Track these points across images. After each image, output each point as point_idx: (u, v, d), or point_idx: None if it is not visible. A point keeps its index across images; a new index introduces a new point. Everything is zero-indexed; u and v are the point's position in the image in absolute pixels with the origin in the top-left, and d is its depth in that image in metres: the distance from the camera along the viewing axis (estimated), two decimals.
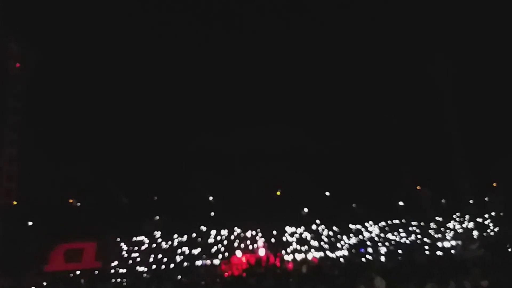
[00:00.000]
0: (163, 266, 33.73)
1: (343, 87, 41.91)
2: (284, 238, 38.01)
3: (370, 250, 37.42)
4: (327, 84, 42.06)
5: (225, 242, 36.70)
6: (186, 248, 35.64)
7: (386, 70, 41.68)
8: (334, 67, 41.54)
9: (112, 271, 32.10)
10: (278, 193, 42.44)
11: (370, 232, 40.14)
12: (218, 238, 36.90)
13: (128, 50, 38.89)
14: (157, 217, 38.04)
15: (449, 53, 40.61)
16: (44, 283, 27.08)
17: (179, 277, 26.50)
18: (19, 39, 35.35)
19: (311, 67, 42.31)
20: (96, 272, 31.44)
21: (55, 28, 35.65)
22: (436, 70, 42.00)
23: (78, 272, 30.74)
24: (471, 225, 41.28)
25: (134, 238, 35.35)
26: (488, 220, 41.62)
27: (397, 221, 41.03)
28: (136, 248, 34.92)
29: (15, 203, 34.36)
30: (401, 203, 43.50)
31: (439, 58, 41.51)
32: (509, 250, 28.43)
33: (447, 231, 40.82)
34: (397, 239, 39.81)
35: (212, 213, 39.33)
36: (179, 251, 35.43)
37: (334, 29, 41.39)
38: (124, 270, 32.23)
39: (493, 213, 41.93)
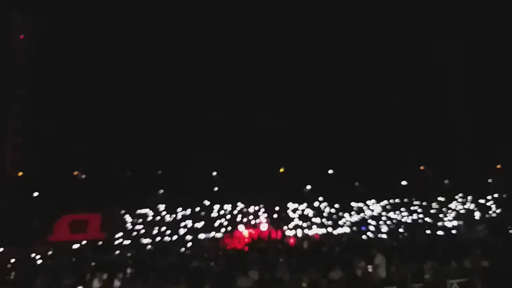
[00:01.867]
0: (166, 239, 34.18)
1: (351, 67, 41.58)
2: (286, 214, 38.33)
3: (371, 228, 37.69)
4: (334, 61, 41.73)
5: (228, 216, 37.08)
6: (190, 221, 36.05)
7: (394, 52, 41.31)
8: (344, 47, 41.26)
9: (116, 242, 32.56)
10: (281, 170, 42.59)
11: (372, 211, 40.37)
12: (221, 212, 37.27)
13: (136, 32, 38.72)
14: (161, 191, 38.39)
15: (457, 38, 40.08)
16: (49, 253, 27.51)
17: (183, 249, 26.86)
18: (25, 12, 35.11)
19: (320, 45, 42.00)
20: (101, 243, 31.90)
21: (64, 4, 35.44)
22: (443, 51, 41.48)
23: (84, 243, 31.18)
24: (473, 206, 41.41)
25: (139, 211, 35.76)
26: (491, 202, 41.69)
27: (399, 200, 41.21)
28: (140, 220, 35.36)
29: (20, 174, 34.71)
30: (404, 182, 43.61)
31: (447, 42, 40.96)
32: (510, 232, 28.59)
33: (449, 211, 41.00)
34: (399, 218, 40.04)
35: (216, 188, 39.63)
36: (182, 224, 35.86)
37: (340, 14, 41.00)
38: (128, 242, 32.67)
39: (496, 195, 41.98)
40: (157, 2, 39.50)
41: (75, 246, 30.43)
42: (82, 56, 36.52)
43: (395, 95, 41.73)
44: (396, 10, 40.57)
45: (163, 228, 35.18)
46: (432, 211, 40.81)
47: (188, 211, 36.66)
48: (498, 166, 43.95)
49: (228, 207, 37.59)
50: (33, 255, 26.20)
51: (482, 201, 41.51)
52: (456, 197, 42.11)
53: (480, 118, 40.12)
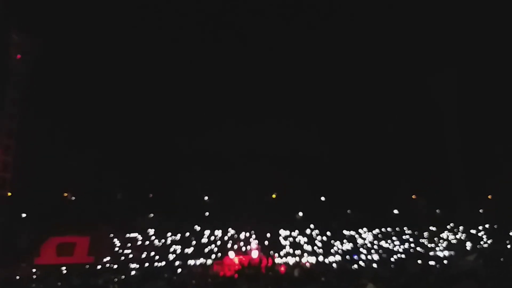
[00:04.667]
0: (155, 264, 33.59)
1: (343, 95, 42.06)
2: (277, 241, 37.94)
3: (363, 256, 37.35)
4: (326, 91, 42.22)
5: (219, 242, 36.62)
6: (179, 247, 35.56)
7: (386, 80, 41.90)
8: (334, 75, 41.76)
9: (101, 266, 31.94)
10: (274, 196, 42.39)
11: (364, 239, 40.11)
12: (212, 238, 36.83)
13: (128, 48, 39.02)
14: (151, 215, 37.96)
15: (450, 65, 40.73)
16: (34, 276, 26.89)
17: (171, 275, 26.36)
18: (21, 30, 35.25)
19: (312, 74, 42.49)
20: (88, 267, 31.27)
21: (59, 20, 35.71)
22: (435, 82, 42.03)
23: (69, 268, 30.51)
24: (464, 236, 41.34)
25: (128, 235, 35.24)
26: (482, 232, 41.67)
27: (390, 229, 41.03)
28: (129, 244, 34.81)
29: (9, 194, 34.20)
30: (396, 211, 43.52)
31: (439, 70, 41.57)
32: (502, 261, 28.42)
33: (440, 241, 40.87)
34: (391, 247, 39.79)
35: (207, 213, 39.27)
36: (171, 249, 35.35)
37: (334, 33, 41.63)
38: (116, 266, 32.06)
39: (487, 225, 41.98)
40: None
41: (62, 269, 29.77)
42: (72, 77, 36.70)
43: (388, 125, 42.14)
44: (387, 40, 41.33)
45: (152, 253, 34.64)
46: (423, 240, 40.66)
47: (178, 236, 36.20)
48: (489, 197, 44.08)
49: (218, 232, 37.16)
50: (17, 277, 25.59)
51: (473, 231, 41.48)
52: (448, 226, 42.07)
53: (472, 149, 40.41)
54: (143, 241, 35.42)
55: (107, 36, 37.43)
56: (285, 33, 41.86)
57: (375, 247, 39.34)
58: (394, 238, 40.52)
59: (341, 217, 41.37)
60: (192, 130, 39.54)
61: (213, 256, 35.15)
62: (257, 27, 40.85)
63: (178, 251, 35.30)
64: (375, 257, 37.37)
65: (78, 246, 32.57)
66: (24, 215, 34.36)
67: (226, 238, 37.05)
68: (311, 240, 38.82)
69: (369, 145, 41.70)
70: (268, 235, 37.56)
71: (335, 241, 39.11)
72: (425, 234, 41.14)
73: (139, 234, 35.59)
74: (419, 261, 32.57)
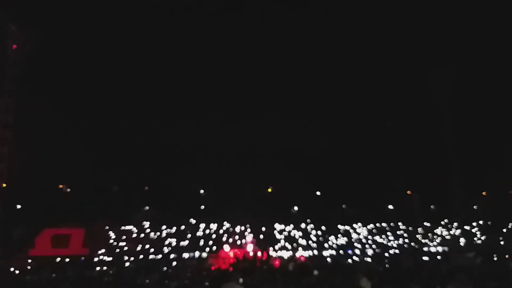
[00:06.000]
0: (150, 257, 33.65)
1: (340, 91, 42.08)
2: (272, 235, 38.05)
3: (357, 251, 37.56)
4: (322, 87, 42.21)
5: (214, 236, 36.70)
6: (174, 239, 35.61)
7: (383, 76, 41.91)
8: (332, 71, 41.73)
9: (99, 259, 31.96)
10: (269, 190, 42.46)
11: (358, 234, 40.31)
12: (207, 231, 36.89)
13: (125, 43, 38.87)
14: (147, 207, 37.96)
15: (447, 62, 40.73)
16: (29, 267, 26.90)
17: (165, 268, 26.43)
18: (19, 21, 35.00)
19: (309, 69, 42.46)
20: (83, 258, 31.30)
21: (58, 11, 35.54)
22: (432, 78, 42.01)
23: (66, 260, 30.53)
24: (458, 232, 41.58)
25: (123, 227, 35.25)
26: (476, 228, 41.92)
27: (385, 224, 41.25)
28: (124, 237, 34.83)
29: (4, 185, 34.09)
30: (390, 206, 43.72)
31: (437, 67, 41.56)
32: (495, 258, 28.66)
33: (435, 236, 41.12)
34: (385, 242, 40.01)
35: (202, 207, 39.31)
36: (167, 242, 35.40)
37: (332, 31, 41.57)
38: (111, 258, 32.10)
39: (481, 222, 42.22)
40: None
41: (56, 261, 29.78)
42: (70, 68, 36.54)
43: (384, 121, 42.20)
44: (385, 38, 41.30)
45: (147, 246, 34.67)
46: (417, 236, 40.88)
47: (173, 229, 36.24)
48: (484, 193, 44.30)
49: (214, 226, 37.23)
50: (12, 269, 25.58)
51: (467, 227, 41.71)
52: (442, 222, 42.29)
53: (467, 145, 40.53)
54: (138, 233, 35.44)
55: (105, 30, 37.21)
56: (284, 29, 41.82)
57: (370, 242, 39.55)
58: (388, 233, 40.73)
59: (336, 212, 41.52)
60: (189, 124, 39.46)
61: (208, 249, 35.24)
62: (256, 25, 40.81)
63: (173, 244, 35.35)
64: (369, 252, 37.57)
65: (73, 238, 32.58)
66: (19, 206, 34.27)
67: (221, 231, 37.12)
68: (306, 235, 38.98)
69: (364, 141, 41.77)
70: (263, 229, 37.67)
71: (330, 236, 39.29)
72: (420, 229, 41.37)
73: (134, 226, 35.61)
74: (413, 257, 32.79)
